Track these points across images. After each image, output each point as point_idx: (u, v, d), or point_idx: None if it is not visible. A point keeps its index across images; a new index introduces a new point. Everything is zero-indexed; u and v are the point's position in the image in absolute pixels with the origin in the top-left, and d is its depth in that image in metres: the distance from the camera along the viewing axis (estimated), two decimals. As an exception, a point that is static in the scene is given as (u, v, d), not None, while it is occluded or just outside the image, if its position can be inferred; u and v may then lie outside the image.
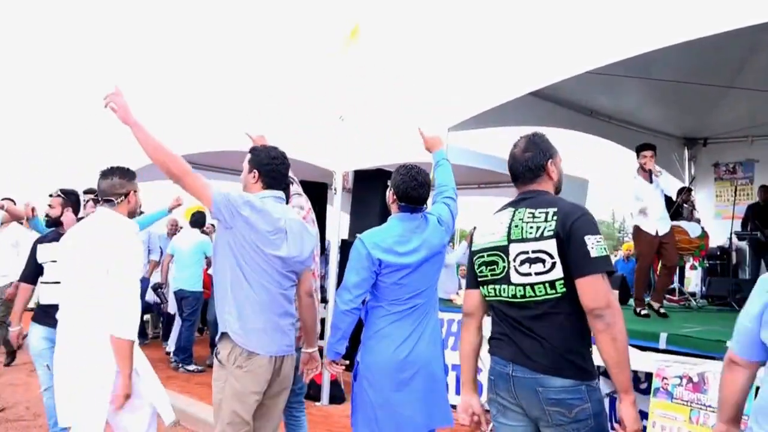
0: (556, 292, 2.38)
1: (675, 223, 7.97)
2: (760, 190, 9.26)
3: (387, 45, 7.19)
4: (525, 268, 2.42)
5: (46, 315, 4.00)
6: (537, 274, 2.39)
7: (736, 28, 4.81)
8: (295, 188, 3.95)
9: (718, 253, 9.50)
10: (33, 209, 5.30)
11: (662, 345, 4.73)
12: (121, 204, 3.35)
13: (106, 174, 3.41)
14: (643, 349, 4.70)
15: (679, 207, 9.49)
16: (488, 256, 2.55)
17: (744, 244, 9.54)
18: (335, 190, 6.43)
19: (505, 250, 2.48)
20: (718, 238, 9.36)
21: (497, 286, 2.52)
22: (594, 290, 2.30)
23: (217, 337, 3.19)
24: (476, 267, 2.61)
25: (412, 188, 3.33)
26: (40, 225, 5.19)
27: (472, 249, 2.66)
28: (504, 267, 2.48)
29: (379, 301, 3.28)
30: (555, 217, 2.40)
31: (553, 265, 2.37)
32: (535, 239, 2.40)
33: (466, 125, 6.72)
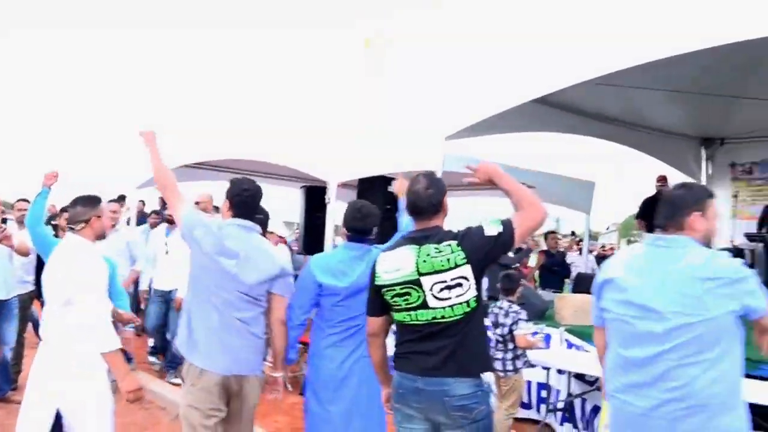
0: (470, 308, 2.87)
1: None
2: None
3: (386, 55, 7.45)
4: (444, 294, 2.85)
5: None
6: (457, 296, 2.85)
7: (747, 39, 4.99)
8: None
9: (733, 254, 9.49)
10: None
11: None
12: (83, 230, 3.67)
13: (72, 204, 3.77)
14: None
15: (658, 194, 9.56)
16: (401, 288, 2.93)
17: (760, 246, 9.51)
18: (329, 199, 6.73)
19: (417, 282, 2.88)
20: (735, 239, 9.38)
21: (413, 313, 2.92)
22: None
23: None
24: (389, 298, 2.99)
25: (357, 219, 3.81)
26: None
27: (378, 284, 3.02)
28: (419, 296, 2.89)
29: (321, 321, 3.63)
30: (459, 246, 2.86)
31: (470, 286, 2.85)
32: (451, 269, 2.83)
33: (464, 134, 6.93)
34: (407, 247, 2.94)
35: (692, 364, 2.47)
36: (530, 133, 7.90)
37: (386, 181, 7.74)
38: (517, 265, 8.49)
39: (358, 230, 3.81)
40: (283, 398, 3.93)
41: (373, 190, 7.69)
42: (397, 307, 2.96)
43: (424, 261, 2.87)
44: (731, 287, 2.48)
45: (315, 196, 8.42)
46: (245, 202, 3.58)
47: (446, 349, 2.82)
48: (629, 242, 14.23)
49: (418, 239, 2.95)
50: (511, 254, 9.29)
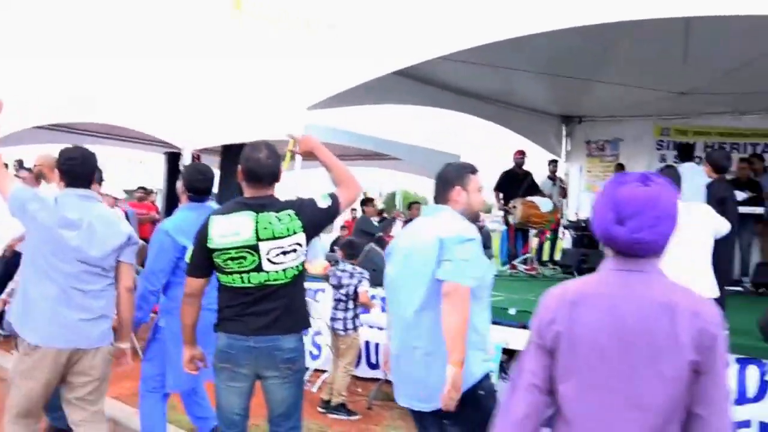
0: (298, 271, 3.10)
1: (529, 198, 8.55)
2: (617, 169, 9.93)
3: (248, 22, 7.34)
4: (279, 259, 3.01)
5: None
6: (291, 261, 3.04)
7: (595, 23, 5.31)
8: None
9: (584, 225, 10.16)
10: None
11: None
12: None
13: None
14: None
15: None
16: (236, 252, 2.99)
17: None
18: (182, 166, 6.64)
19: (255, 247, 2.98)
20: (588, 211, 10.04)
21: (245, 275, 3.00)
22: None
23: None
24: (220, 261, 3.02)
25: (199, 180, 3.83)
26: None
27: (211, 246, 3.02)
28: (254, 260, 2.99)
29: (179, 279, 3.59)
30: (297, 215, 3.03)
31: (301, 252, 3.08)
32: (289, 236, 3.01)
33: (327, 104, 6.99)
34: (244, 213, 3.01)
35: None
36: (402, 107, 8.06)
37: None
38: (381, 234, 8.71)
39: (200, 191, 3.90)
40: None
41: (238, 157, 7.58)
42: (227, 270, 3.01)
43: (265, 228, 2.98)
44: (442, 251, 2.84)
45: (177, 163, 8.23)
46: (73, 171, 3.41)
47: (277, 310, 3.02)
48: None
49: (254, 206, 3.02)
50: (376, 223, 9.54)
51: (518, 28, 5.85)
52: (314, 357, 6.13)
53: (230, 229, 2.99)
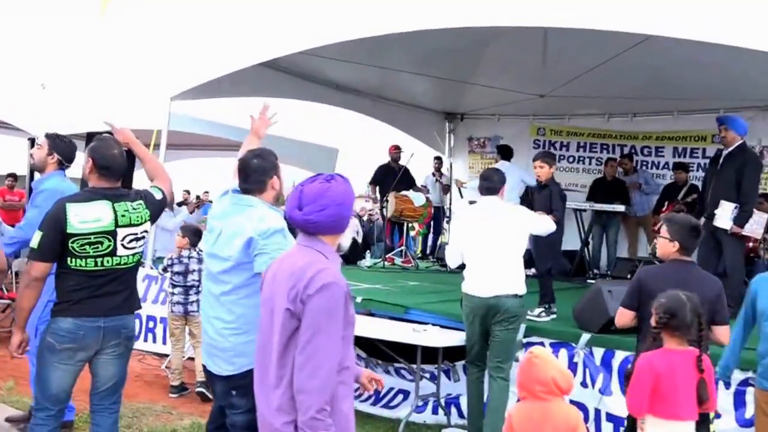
0: (140, 256, 3.47)
1: (403, 192, 8.76)
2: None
3: (114, 10, 7.18)
4: (132, 245, 3.34)
5: None
6: (139, 246, 3.40)
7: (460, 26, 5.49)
8: None
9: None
10: None
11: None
12: None
13: None
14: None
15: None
16: (94, 238, 3.22)
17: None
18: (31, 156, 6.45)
19: (113, 233, 3.25)
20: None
21: (100, 259, 3.23)
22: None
23: None
24: (76, 246, 3.18)
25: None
26: None
27: (70, 231, 3.17)
28: (109, 245, 3.25)
29: None
30: (145, 206, 3.38)
31: (146, 239, 3.52)
32: (140, 224, 3.36)
33: (190, 94, 6.92)
34: (102, 202, 3.24)
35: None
36: (259, 98, 8.04)
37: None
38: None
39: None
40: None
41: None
42: (81, 254, 3.19)
43: (123, 215, 3.27)
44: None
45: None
46: None
47: (126, 291, 3.37)
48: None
49: (110, 196, 3.27)
50: None
51: (385, 26, 5.99)
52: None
53: (91, 216, 3.20)
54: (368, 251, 10.09)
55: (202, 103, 7.40)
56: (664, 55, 6.59)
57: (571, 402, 4.17)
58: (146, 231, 3.43)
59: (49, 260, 3.21)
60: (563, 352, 4.65)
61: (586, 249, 8.96)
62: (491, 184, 4.62)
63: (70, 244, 3.17)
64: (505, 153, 9.05)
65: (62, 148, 4.36)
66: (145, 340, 6.58)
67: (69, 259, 3.18)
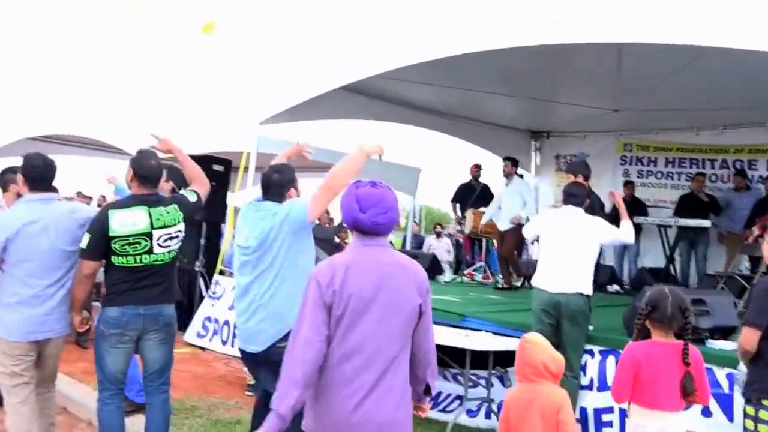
0: (176, 253, 3.86)
1: (482, 209, 8.88)
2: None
3: (202, 39, 7.84)
4: (167, 243, 3.77)
5: None
6: (174, 245, 3.81)
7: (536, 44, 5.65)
8: None
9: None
10: None
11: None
12: None
13: None
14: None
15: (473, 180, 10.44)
16: (133, 239, 3.67)
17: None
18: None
19: (149, 235, 3.70)
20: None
21: (139, 256, 3.69)
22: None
23: None
24: (118, 247, 3.66)
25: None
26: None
27: (112, 234, 3.63)
28: (146, 245, 3.69)
29: None
30: (179, 208, 3.81)
31: (181, 239, 3.87)
32: (173, 225, 3.78)
33: (276, 119, 7.42)
34: (140, 208, 3.70)
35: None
36: (340, 121, 8.46)
37: (211, 160, 8.19)
38: (336, 239, 9.11)
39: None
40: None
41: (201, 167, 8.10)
42: (123, 253, 3.65)
43: (158, 219, 3.71)
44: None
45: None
46: (35, 175, 3.86)
47: (163, 284, 3.80)
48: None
49: (148, 202, 3.73)
50: (328, 227, 9.93)
51: (460, 46, 6.23)
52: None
53: (129, 220, 3.66)
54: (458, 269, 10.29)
55: (288, 126, 7.89)
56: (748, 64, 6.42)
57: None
58: (180, 231, 3.82)
59: (96, 259, 3.69)
60: (611, 359, 4.69)
61: (671, 266, 8.76)
62: (576, 197, 5.04)
63: (112, 245, 3.63)
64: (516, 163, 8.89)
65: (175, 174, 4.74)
66: (232, 345, 6.97)
67: (113, 257, 3.66)
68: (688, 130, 9.92)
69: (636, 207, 9.43)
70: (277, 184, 3.64)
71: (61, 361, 4.12)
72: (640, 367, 2.99)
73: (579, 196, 5.05)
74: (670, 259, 8.75)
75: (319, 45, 7.13)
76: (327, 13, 7.31)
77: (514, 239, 8.09)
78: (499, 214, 8.19)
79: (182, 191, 4.04)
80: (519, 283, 8.30)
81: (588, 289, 4.77)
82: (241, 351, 3.69)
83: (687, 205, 8.89)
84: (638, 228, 9.28)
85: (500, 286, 8.23)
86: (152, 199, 3.76)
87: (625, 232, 5.07)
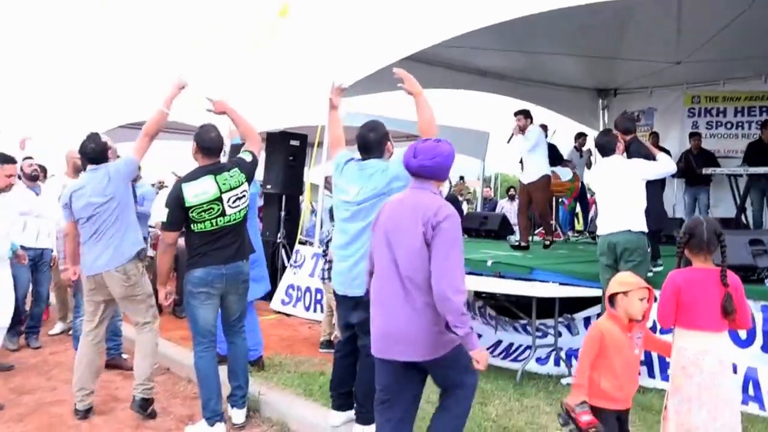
0: (246, 210, 4.23)
1: (552, 169, 9.10)
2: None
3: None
4: (236, 204, 4.14)
5: None
6: (243, 204, 4.18)
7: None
8: None
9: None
10: None
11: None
12: None
13: None
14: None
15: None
16: (207, 206, 4.05)
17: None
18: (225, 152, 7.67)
19: (219, 199, 4.07)
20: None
21: (215, 220, 4.08)
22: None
23: None
24: (195, 215, 4.03)
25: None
26: None
27: (188, 205, 4.00)
28: (219, 209, 4.07)
29: None
30: (240, 171, 4.17)
31: (247, 197, 4.22)
32: (238, 186, 4.14)
33: (349, 92, 7.82)
34: (207, 177, 4.06)
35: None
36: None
37: (288, 135, 8.74)
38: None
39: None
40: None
41: (278, 143, 8.67)
42: (200, 220, 4.03)
43: (224, 183, 4.07)
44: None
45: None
46: (85, 154, 4.46)
47: (237, 242, 4.16)
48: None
49: (213, 171, 4.08)
50: None
51: (522, 8, 6.40)
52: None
53: (200, 190, 4.03)
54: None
55: (360, 99, 8.28)
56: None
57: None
58: (245, 190, 4.15)
59: (176, 229, 4.09)
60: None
61: (743, 215, 8.77)
62: (603, 147, 5.26)
63: (190, 214, 4.01)
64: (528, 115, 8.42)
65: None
66: (315, 311, 7.46)
67: (192, 225, 4.05)
68: (756, 78, 9.83)
69: (705, 158, 9.49)
70: (375, 142, 3.81)
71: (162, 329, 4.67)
72: (680, 292, 3.07)
73: (605, 145, 5.22)
74: (741, 209, 8.75)
75: (385, 16, 7.43)
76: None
77: (544, 195, 8.11)
78: (522, 170, 8.17)
79: (240, 154, 4.30)
80: (548, 242, 8.08)
81: (638, 226, 4.93)
82: (340, 296, 3.93)
83: (756, 153, 8.82)
84: (707, 179, 9.46)
85: (515, 243, 8.07)
86: (216, 167, 4.11)
87: (662, 163, 5.28)
